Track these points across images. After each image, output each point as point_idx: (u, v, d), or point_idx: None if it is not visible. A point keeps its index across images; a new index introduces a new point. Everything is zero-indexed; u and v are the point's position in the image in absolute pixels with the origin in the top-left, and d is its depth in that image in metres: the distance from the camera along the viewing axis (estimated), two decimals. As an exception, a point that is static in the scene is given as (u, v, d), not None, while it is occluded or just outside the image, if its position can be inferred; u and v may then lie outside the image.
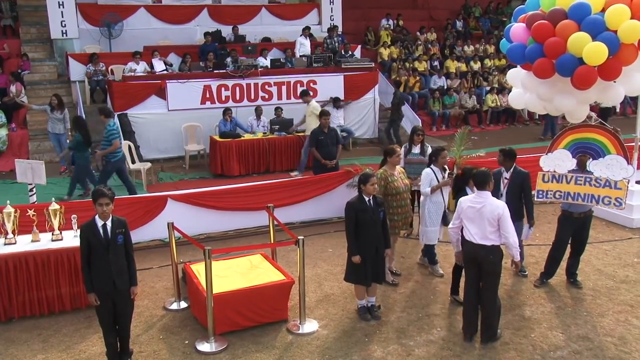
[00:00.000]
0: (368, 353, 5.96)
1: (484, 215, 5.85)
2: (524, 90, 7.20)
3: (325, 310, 6.85)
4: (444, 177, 7.58)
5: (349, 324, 6.53)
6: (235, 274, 6.79)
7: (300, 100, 13.22)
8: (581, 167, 7.07)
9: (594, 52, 5.98)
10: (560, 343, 6.12)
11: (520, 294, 7.23)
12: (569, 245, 7.44)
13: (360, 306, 6.71)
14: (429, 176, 7.53)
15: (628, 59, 6.18)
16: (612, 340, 6.16)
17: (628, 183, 6.98)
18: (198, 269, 6.76)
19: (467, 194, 6.58)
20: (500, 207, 5.84)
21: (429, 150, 8.65)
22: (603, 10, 6.23)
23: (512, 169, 7.37)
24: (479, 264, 5.97)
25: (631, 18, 6.03)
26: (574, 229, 7.29)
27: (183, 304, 6.96)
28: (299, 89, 14.09)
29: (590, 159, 7.03)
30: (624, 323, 6.50)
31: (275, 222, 7.47)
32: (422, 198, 7.70)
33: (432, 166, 7.60)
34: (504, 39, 7.35)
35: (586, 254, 7.71)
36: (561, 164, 7.09)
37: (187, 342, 6.20)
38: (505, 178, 7.37)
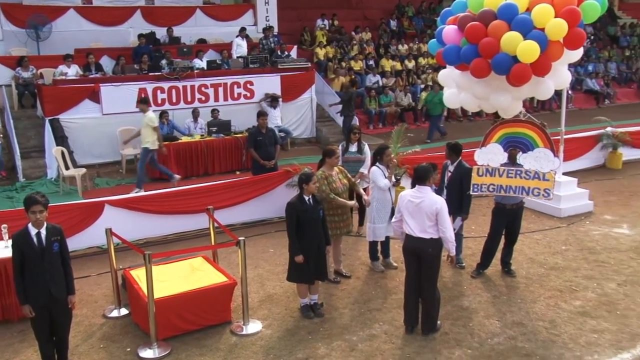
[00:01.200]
0: (312, 350, 6.00)
1: (423, 210, 5.98)
2: (458, 90, 7.35)
3: (269, 310, 6.86)
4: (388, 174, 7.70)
5: (293, 323, 6.56)
6: (177, 277, 6.70)
7: (239, 101, 13.16)
8: (512, 161, 7.33)
9: (527, 50, 6.21)
10: (496, 330, 6.33)
11: (458, 285, 7.44)
12: (502, 236, 7.71)
13: (303, 304, 6.74)
14: (379, 172, 7.59)
15: (556, 55, 6.48)
16: (544, 324, 6.43)
17: (555, 175, 7.30)
18: (138, 275, 6.62)
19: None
20: (438, 202, 5.98)
21: (366, 148, 8.78)
22: (528, 10, 6.49)
23: (456, 163, 7.58)
24: (419, 257, 6.10)
25: (555, 17, 6.31)
26: (507, 220, 7.56)
27: (124, 311, 6.81)
28: (236, 91, 14.03)
29: (520, 153, 7.31)
30: (554, 307, 6.80)
31: (216, 224, 7.42)
32: (370, 195, 7.78)
33: (377, 164, 7.70)
34: (433, 40, 7.51)
35: (519, 243, 8.01)
36: (494, 158, 7.32)
37: (128, 349, 6.07)
38: (449, 171, 7.59)
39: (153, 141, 11.06)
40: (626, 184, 12.02)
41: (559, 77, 6.96)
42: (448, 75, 7.48)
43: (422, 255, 6.07)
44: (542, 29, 6.33)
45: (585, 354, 5.84)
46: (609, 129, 13.33)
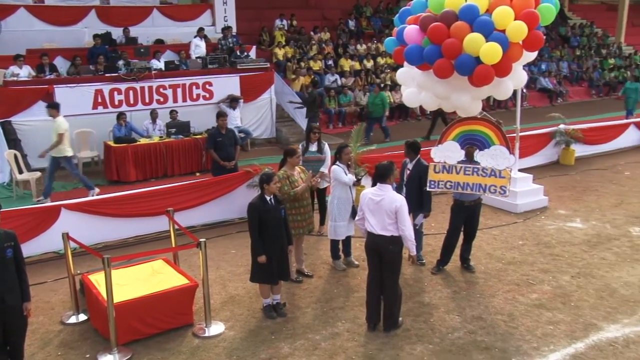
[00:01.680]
0: (275, 350, 6.00)
1: (383, 208, 6.03)
2: (418, 89, 7.39)
3: (231, 311, 6.82)
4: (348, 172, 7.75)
5: (255, 323, 6.54)
6: (137, 281, 6.60)
7: (198, 102, 13.03)
8: (469, 158, 7.46)
9: (490, 52, 6.30)
10: (457, 325, 6.44)
11: (419, 282, 7.53)
12: (461, 233, 7.84)
13: (265, 305, 6.73)
14: (340, 169, 7.62)
15: (516, 56, 6.62)
16: (502, 317, 6.57)
17: (511, 171, 7.46)
18: (97, 279, 6.50)
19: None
20: (398, 200, 6.04)
21: (326, 147, 8.81)
22: (488, 11, 6.59)
23: (415, 161, 7.67)
24: (380, 254, 6.16)
25: (515, 19, 6.44)
26: (466, 216, 7.69)
27: (82, 317, 6.67)
28: (195, 91, 13.90)
29: (477, 150, 7.44)
30: (512, 301, 6.96)
31: (176, 226, 7.33)
32: (331, 194, 7.82)
33: (337, 163, 7.73)
34: (390, 37, 7.55)
35: (477, 239, 8.15)
36: (451, 155, 7.44)
37: (88, 355, 5.95)
38: (408, 169, 7.68)
39: (64, 148, 10.61)
40: (579, 179, 12.37)
41: (517, 77, 7.12)
42: (406, 74, 7.53)
43: (383, 253, 6.13)
44: (503, 31, 6.43)
45: (542, 345, 6.00)
46: (561, 126, 13.69)
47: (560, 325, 6.38)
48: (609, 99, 22.94)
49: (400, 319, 6.43)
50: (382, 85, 18.30)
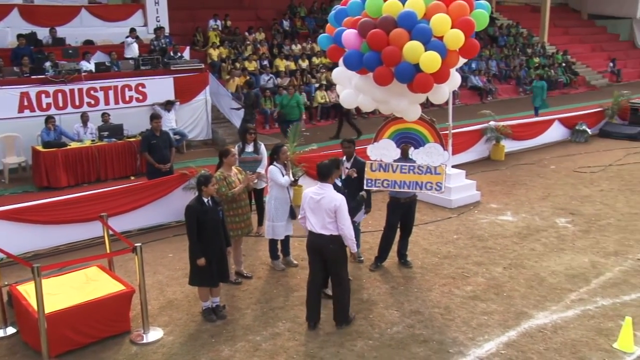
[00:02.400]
0: (216, 354, 5.93)
1: (322, 207, 6.07)
2: (356, 91, 7.34)
3: (170, 316, 6.70)
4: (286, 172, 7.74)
5: (195, 327, 6.45)
6: (70, 289, 6.38)
7: (131, 104, 12.69)
8: (403, 156, 7.59)
9: (430, 61, 6.32)
10: (395, 320, 6.55)
11: (358, 279, 7.61)
12: (398, 229, 7.97)
13: (204, 308, 6.65)
14: (277, 170, 7.61)
15: (453, 63, 6.73)
16: (439, 310, 6.73)
17: (446, 168, 7.64)
18: (26, 290, 6.25)
19: (337, 185, 6.69)
20: (337, 199, 6.07)
21: (262, 148, 8.78)
22: (426, 17, 6.61)
23: (352, 159, 7.74)
24: (321, 253, 6.20)
25: (452, 26, 6.49)
26: (402, 213, 7.83)
27: (10, 330, 6.39)
28: (127, 93, 13.56)
29: (412, 148, 7.58)
30: (448, 294, 7.14)
31: (111, 232, 7.14)
32: (269, 194, 7.79)
33: (275, 163, 7.71)
34: (323, 35, 7.49)
35: (413, 235, 8.32)
36: (387, 154, 7.55)
37: (18, 369, 5.73)
38: (347, 167, 7.74)
39: None
40: (509, 174, 12.81)
41: (453, 81, 7.22)
42: (343, 74, 7.45)
43: (324, 252, 6.17)
44: (441, 38, 6.49)
45: (477, 335, 6.18)
46: (492, 123, 14.14)
47: (494, 315, 6.59)
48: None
49: (352, 314, 6.50)
50: (317, 85, 18.41)
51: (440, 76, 6.58)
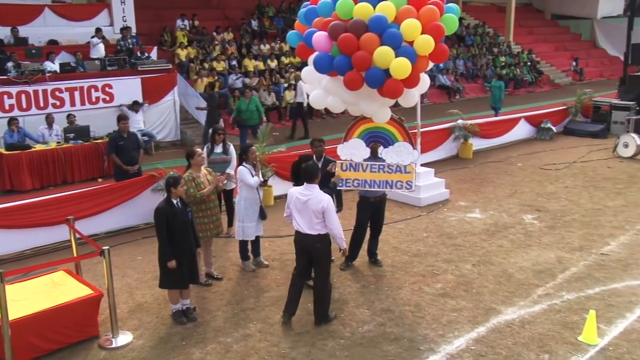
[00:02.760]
0: (186, 356, 5.88)
1: (310, 208, 6.13)
2: (325, 93, 7.31)
3: (139, 319, 6.61)
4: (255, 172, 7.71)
5: (165, 330, 6.38)
6: (36, 295, 6.25)
7: (98, 105, 12.47)
8: (373, 155, 7.62)
9: (400, 67, 6.33)
10: (366, 318, 6.58)
11: (328, 278, 7.62)
12: (368, 228, 8.00)
13: (175, 310, 6.58)
14: (246, 170, 7.57)
15: (423, 68, 6.76)
16: (410, 308, 6.78)
17: (415, 166, 7.70)
18: (-10, 296, 6.10)
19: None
20: (324, 200, 6.14)
21: (231, 148, 8.73)
22: (396, 21, 6.58)
23: (322, 159, 7.75)
24: (309, 252, 6.28)
25: (422, 32, 6.48)
26: (372, 212, 7.87)
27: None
28: (94, 94, 13.34)
29: (381, 147, 7.62)
30: (418, 292, 7.20)
31: (78, 235, 7.01)
32: (239, 195, 7.75)
33: (244, 164, 7.67)
34: (293, 31, 7.47)
35: (384, 234, 8.37)
36: (356, 153, 7.56)
37: (-17, 377, 5.59)
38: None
39: None
40: (477, 171, 12.98)
41: (422, 84, 7.25)
42: (312, 74, 7.34)
43: (312, 251, 6.26)
44: (411, 43, 6.48)
45: (447, 332, 6.25)
46: (460, 121, 14.31)
47: (463, 312, 6.67)
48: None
49: (333, 313, 6.53)
50: (286, 85, 18.35)
51: (410, 81, 6.60)
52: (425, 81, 7.33)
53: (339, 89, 6.87)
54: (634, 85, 17.54)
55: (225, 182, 8.31)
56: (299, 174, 7.36)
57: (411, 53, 6.43)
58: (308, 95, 8.04)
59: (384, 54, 6.33)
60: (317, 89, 7.45)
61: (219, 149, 8.67)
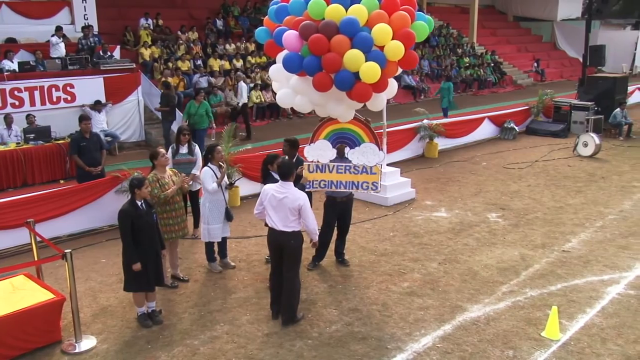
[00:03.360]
0: (152, 360, 5.81)
1: (286, 205, 6.18)
2: (293, 92, 7.25)
3: (103, 323, 6.50)
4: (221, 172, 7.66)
5: (130, 334, 6.28)
6: (-5, 300, 6.09)
7: (59, 105, 12.18)
8: (340, 156, 7.64)
9: (370, 72, 6.33)
10: (334, 318, 6.59)
11: (295, 278, 7.61)
12: (335, 228, 8.02)
13: (140, 313, 6.49)
14: (209, 173, 7.52)
15: (392, 73, 6.80)
16: (377, 307, 6.82)
17: (381, 167, 7.74)
18: (-53, 302, 5.92)
19: (275, 180, 6.72)
20: (301, 198, 6.23)
21: (197, 149, 8.64)
22: (368, 25, 6.57)
23: (295, 158, 7.76)
24: (282, 248, 6.32)
25: (393, 38, 6.49)
26: (338, 212, 7.89)
27: None
28: (55, 94, 13.04)
29: (348, 148, 7.64)
30: (386, 291, 7.24)
31: (39, 238, 6.85)
32: (203, 198, 7.68)
33: (209, 164, 7.61)
34: (261, 27, 7.42)
35: (351, 234, 8.41)
36: (323, 154, 7.57)
37: (-60, 386, 5.42)
38: None
39: None
40: (442, 171, 13.14)
41: (390, 89, 7.28)
42: (280, 72, 7.24)
43: (285, 247, 6.30)
44: (382, 48, 6.48)
45: (414, 330, 6.30)
46: (425, 121, 14.45)
47: (430, 310, 6.73)
48: (466, 95, 24.54)
49: (301, 313, 6.55)
50: (252, 84, 18.26)
51: (379, 86, 6.63)
52: (393, 86, 7.36)
53: (308, 89, 6.85)
54: (592, 86, 18.07)
55: (190, 183, 8.24)
56: (268, 174, 7.38)
57: (381, 58, 6.44)
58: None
59: (354, 58, 6.34)
60: (284, 87, 7.40)
61: (184, 149, 8.58)
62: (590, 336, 6.19)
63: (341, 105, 7.03)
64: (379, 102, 7.22)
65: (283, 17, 6.99)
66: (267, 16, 7.40)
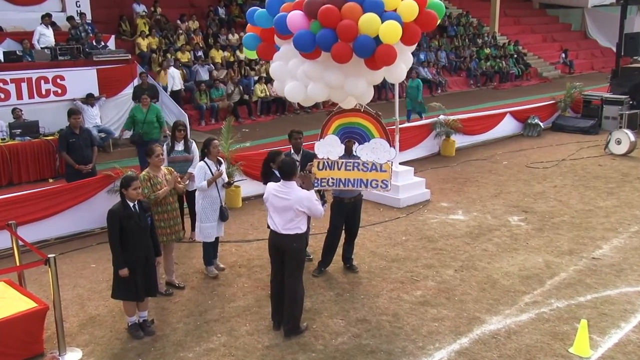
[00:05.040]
0: (142, 374, 5.73)
1: (292, 207, 6.13)
2: (304, 81, 7.09)
3: (90, 334, 6.42)
4: (218, 169, 7.59)
5: (119, 345, 6.20)
6: (-28, 309, 6.02)
7: (48, 99, 12.14)
8: (348, 152, 7.54)
9: (390, 31, 6.31)
10: (340, 329, 6.48)
11: (299, 286, 7.51)
12: (343, 232, 7.91)
13: (130, 323, 6.41)
14: (202, 169, 7.49)
15: (413, 38, 6.71)
16: (387, 318, 6.70)
17: (392, 165, 7.63)
18: None
19: (278, 178, 6.63)
20: (305, 197, 6.19)
21: (193, 146, 8.57)
22: None
23: (301, 153, 7.73)
24: (283, 252, 6.25)
25: None
26: (346, 214, 7.78)
27: None
28: (44, 86, 13.01)
29: (356, 144, 7.54)
30: (397, 300, 7.12)
31: (21, 242, 6.78)
32: (197, 193, 7.62)
33: (205, 159, 7.56)
34: (248, 34, 7.39)
35: (360, 237, 8.30)
36: (332, 150, 7.47)
37: None
38: (297, 161, 7.64)
39: None
40: (459, 170, 13.00)
41: (407, 59, 7.25)
42: (282, 69, 7.24)
43: (286, 250, 6.24)
44: (395, 10, 6.48)
45: (427, 344, 6.17)
46: (441, 117, 14.31)
47: (445, 322, 6.60)
48: (487, 89, 24.38)
49: (305, 324, 6.46)
50: (257, 77, 18.19)
51: (410, 38, 6.63)
52: (408, 57, 7.31)
53: (321, 72, 6.80)
54: (627, 78, 17.76)
55: (187, 182, 8.16)
56: (270, 172, 7.28)
57: (397, 18, 6.42)
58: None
59: (370, 21, 6.33)
60: (289, 82, 7.29)
61: (179, 146, 8.50)
62: (626, 354, 6.00)
63: (360, 80, 6.93)
64: (398, 71, 7.13)
65: (277, 9, 6.96)
66: (248, 24, 7.44)
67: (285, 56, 7.08)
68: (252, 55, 7.85)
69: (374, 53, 6.48)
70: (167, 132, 11.50)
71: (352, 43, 6.47)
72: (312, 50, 6.68)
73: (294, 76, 7.12)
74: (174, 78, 16.36)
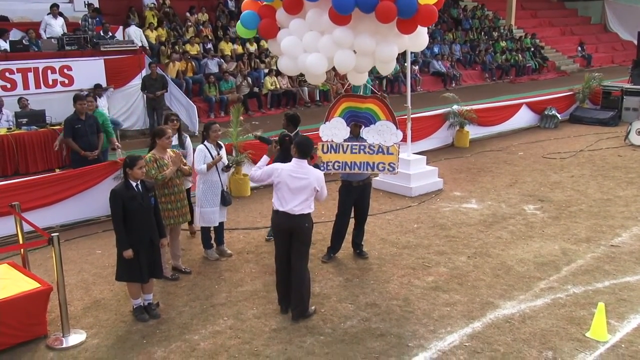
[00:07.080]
0: (147, 356, 5.70)
1: (310, 187, 6.14)
2: (328, 51, 6.98)
3: (95, 317, 6.42)
4: (218, 154, 7.58)
5: (124, 328, 6.19)
6: (-25, 290, 6.03)
7: (55, 89, 12.17)
8: (354, 135, 7.50)
9: None
10: (349, 313, 6.43)
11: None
12: (352, 217, 7.86)
13: (135, 306, 6.40)
14: (202, 152, 7.50)
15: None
16: (398, 302, 6.64)
17: (399, 148, 7.58)
18: None
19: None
20: (321, 176, 6.28)
21: (188, 140, 8.43)
22: None
23: (294, 134, 7.69)
24: (291, 234, 6.21)
25: None
26: (355, 198, 7.74)
27: None
28: (50, 76, 13.07)
29: (363, 127, 7.50)
30: (407, 285, 7.06)
31: (26, 227, 6.78)
32: (197, 178, 7.61)
33: (205, 142, 7.57)
34: (247, 12, 7.30)
35: (370, 225, 8.25)
36: (337, 133, 7.45)
37: None
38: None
39: None
40: (473, 161, 12.90)
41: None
42: (295, 42, 7.10)
43: (298, 232, 6.20)
44: None
45: (439, 327, 6.11)
46: (455, 107, 14.20)
47: (457, 306, 6.53)
48: (502, 83, 24.24)
49: (313, 307, 6.43)
50: (267, 70, 18.17)
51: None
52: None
53: (353, 37, 6.84)
54: (648, 69, 17.52)
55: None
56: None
57: None
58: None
59: None
60: (307, 56, 7.09)
61: (173, 140, 8.40)
62: (644, 338, 5.93)
63: (391, 46, 7.00)
64: (421, 39, 7.25)
65: None
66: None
67: (297, 31, 7.04)
68: (247, 34, 7.64)
69: (417, 10, 6.55)
70: (117, 143, 11.02)
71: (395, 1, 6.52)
72: (351, 12, 6.64)
73: (311, 49, 7.06)
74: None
